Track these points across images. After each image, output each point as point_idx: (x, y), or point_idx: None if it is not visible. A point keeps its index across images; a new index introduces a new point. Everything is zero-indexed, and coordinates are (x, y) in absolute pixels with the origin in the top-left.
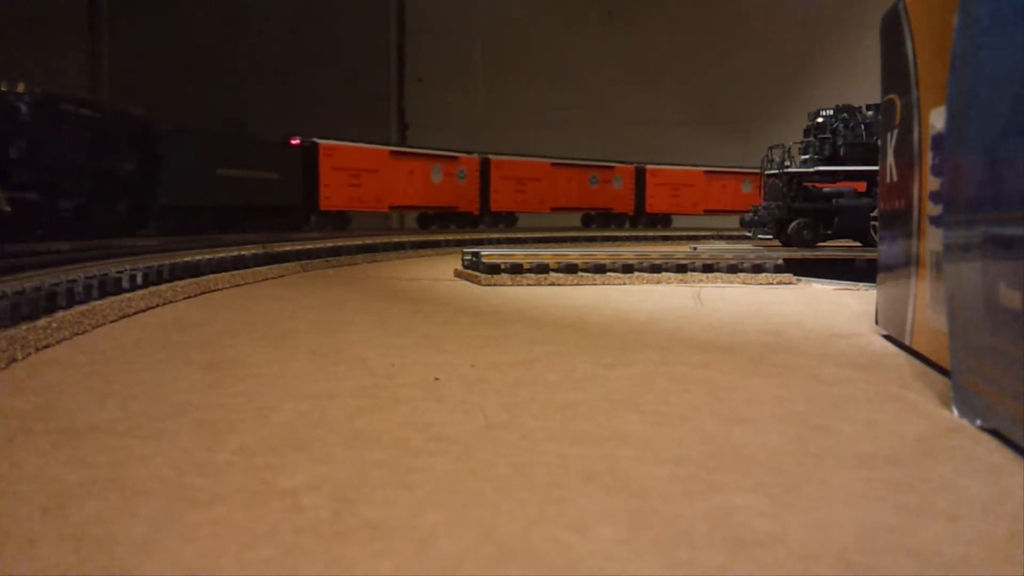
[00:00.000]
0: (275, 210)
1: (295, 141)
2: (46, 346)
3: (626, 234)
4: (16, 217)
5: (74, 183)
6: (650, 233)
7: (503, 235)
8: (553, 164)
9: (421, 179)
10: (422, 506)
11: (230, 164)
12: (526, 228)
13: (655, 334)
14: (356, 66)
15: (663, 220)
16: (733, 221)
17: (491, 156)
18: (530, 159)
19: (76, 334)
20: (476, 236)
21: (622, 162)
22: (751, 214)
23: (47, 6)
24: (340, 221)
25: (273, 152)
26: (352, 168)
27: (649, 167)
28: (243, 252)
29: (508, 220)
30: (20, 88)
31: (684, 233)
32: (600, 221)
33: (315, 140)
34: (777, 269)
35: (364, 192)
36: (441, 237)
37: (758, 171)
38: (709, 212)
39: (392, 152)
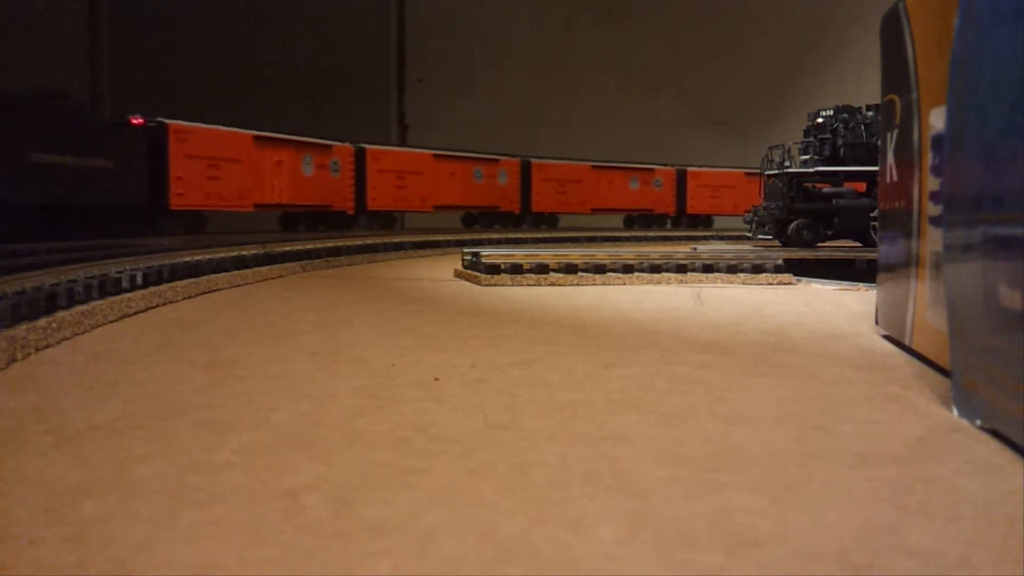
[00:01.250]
0: (111, 210)
1: (137, 120)
2: (46, 346)
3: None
4: None
5: None
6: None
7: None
8: (436, 156)
9: (290, 172)
10: (422, 506)
11: (47, 148)
12: (408, 231)
13: (655, 334)
14: (356, 66)
15: (549, 220)
16: (618, 221)
17: (367, 146)
18: (411, 150)
19: (76, 334)
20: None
21: (508, 155)
22: (751, 214)
23: (47, 5)
24: (194, 223)
25: (108, 135)
26: (211, 156)
27: (534, 161)
28: (243, 252)
29: (386, 221)
30: None
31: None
32: (484, 221)
33: (163, 120)
34: (777, 269)
35: (225, 186)
36: (441, 237)
37: (648, 167)
38: (597, 211)
39: (257, 138)
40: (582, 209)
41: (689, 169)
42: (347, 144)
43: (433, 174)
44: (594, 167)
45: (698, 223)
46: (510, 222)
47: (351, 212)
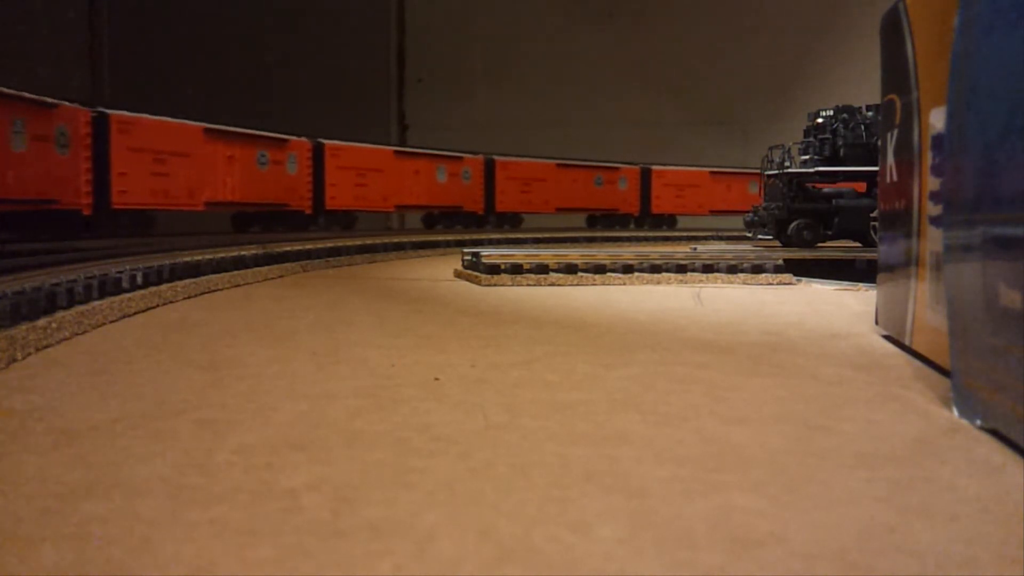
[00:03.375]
0: None
1: None
2: (46, 346)
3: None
4: None
5: None
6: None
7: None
8: (208, 132)
9: (33, 154)
10: (422, 506)
11: None
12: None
13: (655, 334)
14: (356, 66)
15: (344, 220)
16: (414, 222)
17: (111, 112)
18: (177, 121)
19: (76, 334)
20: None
21: (298, 136)
22: (751, 214)
23: (48, 5)
24: None
25: None
26: None
27: (327, 143)
28: (243, 252)
29: (138, 224)
30: None
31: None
32: (265, 223)
33: None
34: (777, 269)
35: None
36: (441, 237)
37: (456, 155)
38: (401, 208)
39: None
40: (386, 206)
41: (498, 159)
42: (77, 106)
43: (205, 159)
44: (396, 153)
45: (504, 222)
46: (300, 224)
47: (87, 211)
